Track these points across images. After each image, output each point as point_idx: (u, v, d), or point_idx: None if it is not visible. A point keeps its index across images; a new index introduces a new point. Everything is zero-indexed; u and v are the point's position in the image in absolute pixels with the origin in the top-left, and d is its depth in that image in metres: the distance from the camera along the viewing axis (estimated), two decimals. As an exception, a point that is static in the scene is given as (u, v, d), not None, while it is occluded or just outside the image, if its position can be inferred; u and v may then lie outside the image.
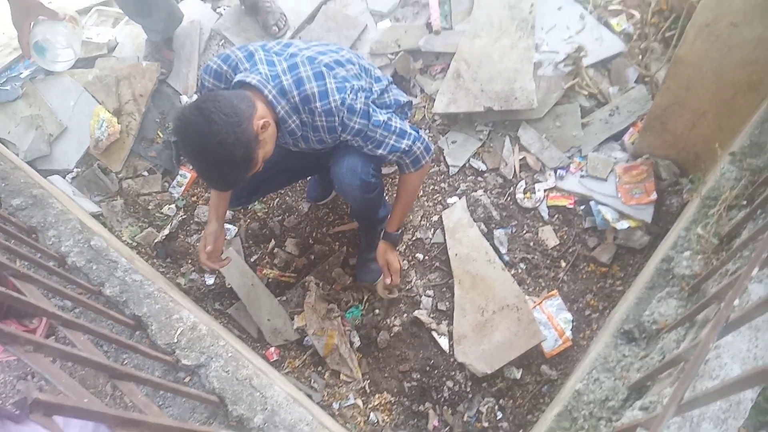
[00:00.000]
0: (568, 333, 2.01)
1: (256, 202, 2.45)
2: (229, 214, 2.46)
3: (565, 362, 1.99)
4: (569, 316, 2.05)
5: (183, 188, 2.57)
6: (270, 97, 1.53)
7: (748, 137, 1.41)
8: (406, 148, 1.69)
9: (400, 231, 2.00)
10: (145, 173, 2.64)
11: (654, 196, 2.11)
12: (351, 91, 1.59)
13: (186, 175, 2.58)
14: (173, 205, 2.55)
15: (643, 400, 0.94)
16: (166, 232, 2.47)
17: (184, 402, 1.16)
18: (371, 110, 1.63)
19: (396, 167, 2.40)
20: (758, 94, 1.72)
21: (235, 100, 1.42)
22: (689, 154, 2.06)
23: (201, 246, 1.82)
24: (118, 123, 2.62)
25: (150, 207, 2.57)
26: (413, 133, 1.71)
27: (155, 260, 2.45)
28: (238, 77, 1.56)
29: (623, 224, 2.10)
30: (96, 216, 2.53)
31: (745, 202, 1.26)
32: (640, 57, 2.40)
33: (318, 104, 1.56)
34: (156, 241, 2.45)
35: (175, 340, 1.22)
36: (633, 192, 2.16)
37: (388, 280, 1.95)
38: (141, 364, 1.23)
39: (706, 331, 0.69)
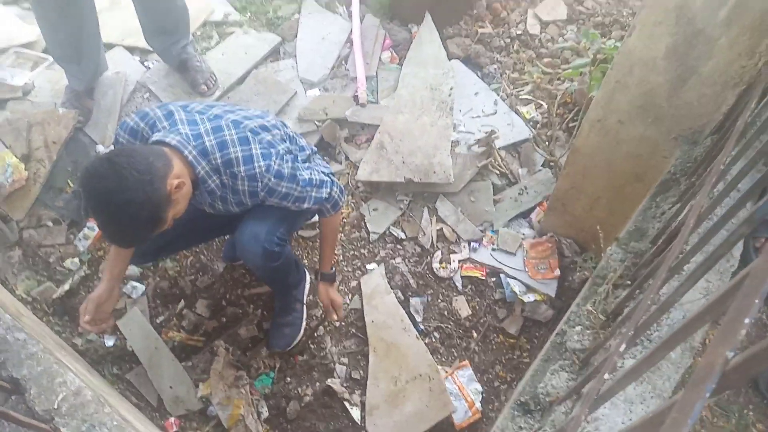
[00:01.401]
0: (478, 404, 2.04)
1: (168, 260, 2.36)
2: (136, 270, 2.34)
3: (473, 434, 2.00)
4: (479, 387, 2.08)
5: (90, 241, 2.43)
6: (190, 157, 1.50)
7: (633, 223, 1.56)
8: (326, 196, 1.76)
9: (333, 269, 2.07)
10: (50, 223, 2.48)
11: (557, 272, 2.26)
12: (276, 156, 1.60)
13: (94, 228, 2.45)
14: (77, 259, 2.40)
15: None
16: (66, 287, 2.31)
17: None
18: (298, 173, 1.66)
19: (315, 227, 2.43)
20: (644, 184, 1.93)
21: (150, 157, 1.38)
22: (587, 234, 2.24)
23: (82, 308, 1.66)
24: (26, 170, 2.48)
25: (51, 260, 2.39)
26: (328, 179, 1.79)
27: (51, 318, 2.26)
28: (156, 136, 1.52)
29: (530, 297, 2.21)
30: (-13, 267, 2.33)
31: (629, 282, 1.38)
32: (546, 143, 2.63)
33: (242, 168, 1.55)
34: (54, 296, 2.27)
35: (56, 406, 1.11)
36: (539, 267, 2.30)
37: (335, 317, 2.06)
38: (12, 434, 1.10)
39: (579, 405, 0.73)
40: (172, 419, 2.00)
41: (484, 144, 2.54)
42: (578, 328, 1.31)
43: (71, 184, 2.55)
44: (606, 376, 0.76)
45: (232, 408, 1.98)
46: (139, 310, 2.22)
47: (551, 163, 2.56)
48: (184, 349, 2.16)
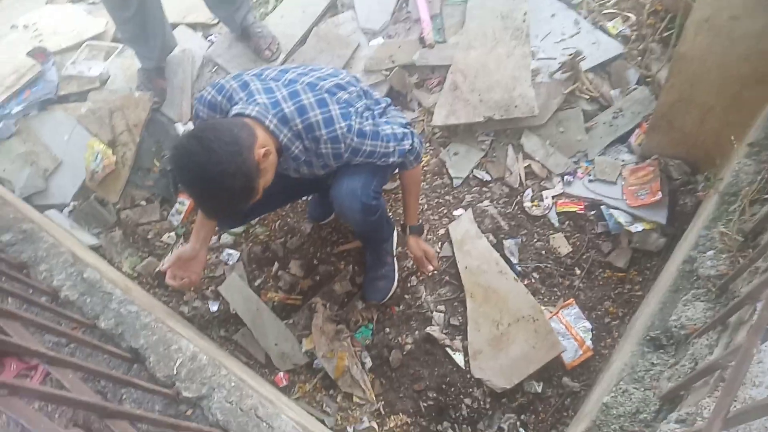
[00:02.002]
0: (589, 342, 1.93)
1: (257, 226, 2.40)
2: (230, 238, 2.41)
3: (587, 373, 1.90)
4: (588, 324, 1.97)
5: (182, 216, 2.52)
6: (271, 126, 1.48)
7: (763, 130, 1.35)
8: (409, 148, 1.70)
9: (420, 221, 2.04)
10: (143, 203, 2.60)
11: (659, 196, 2.05)
12: (356, 114, 1.56)
13: (184, 202, 2.54)
14: (173, 233, 2.51)
15: (679, 411, 0.86)
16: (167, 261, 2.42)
17: (188, 437, 1.10)
18: (379, 129, 1.62)
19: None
20: (767, 87, 1.67)
21: (234, 129, 1.37)
22: (699, 150, 2.01)
23: (167, 261, 1.70)
24: (113, 154, 2.60)
25: (149, 236, 2.52)
26: (407, 130, 1.73)
27: (157, 290, 2.39)
28: (236, 110, 1.50)
29: (637, 227, 2.03)
30: (95, 248, 2.49)
31: (767, 196, 1.20)
32: (640, 58, 2.37)
33: (323, 132, 1.51)
34: (157, 270, 2.40)
35: (175, 372, 1.15)
36: (638, 193, 2.10)
37: (431, 268, 2.00)
38: (140, 399, 1.16)
39: (746, 336, 0.63)
40: (281, 374, 2.07)
41: (569, 68, 2.33)
42: (710, 252, 1.16)
43: (157, 164, 2.64)
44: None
45: (336, 360, 2.01)
46: (237, 275, 2.29)
47: (648, 79, 2.30)
48: (283, 308, 2.22)
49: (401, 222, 2.11)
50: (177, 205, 2.55)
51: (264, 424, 1.08)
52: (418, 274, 2.18)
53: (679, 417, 0.82)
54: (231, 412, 1.10)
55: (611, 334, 1.96)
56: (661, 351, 1.10)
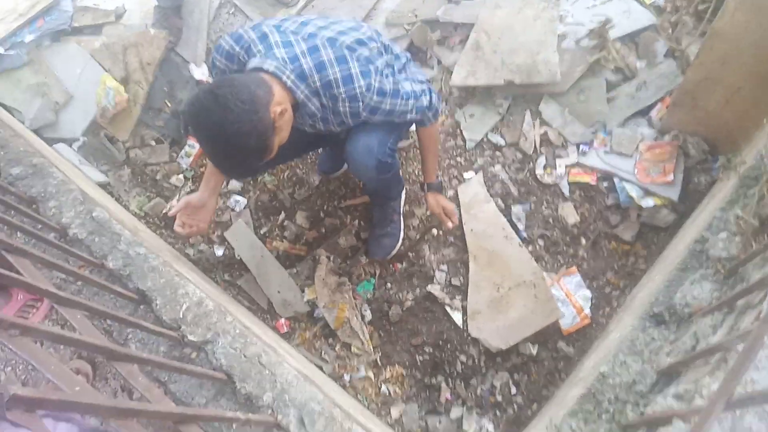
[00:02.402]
0: (587, 310, 1.96)
1: (266, 175, 2.40)
2: (238, 185, 2.41)
3: (582, 339, 1.94)
4: (588, 293, 1.99)
5: (191, 159, 2.51)
6: (289, 83, 1.44)
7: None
8: (428, 104, 1.68)
9: (439, 178, 2.03)
10: (153, 143, 2.58)
11: (670, 177, 2.03)
12: (376, 73, 1.52)
13: (194, 145, 2.53)
14: (181, 176, 2.50)
15: (677, 387, 0.88)
16: (175, 202, 2.43)
17: (191, 378, 1.13)
18: (399, 86, 1.59)
19: (411, 138, 2.34)
20: (800, 71, 1.62)
21: (252, 86, 1.34)
22: (720, 131, 1.97)
23: (176, 207, 1.66)
24: (126, 92, 2.56)
25: (158, 177, 2.52)
26: (425, 86, 1.70)
27: (163, 231, 2.41)
28: (253, 63, 1.46)
29: (648, 202, 2.02)
30: (103, 186, 2.49)
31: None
32: (670, 31, 2.29)
33: (342, 89, 1.48)
34: (164, 212, 2.41)
35: (181, 316, 1.17)
36: (650, 170, 2.08)
37: (450, 224, 1.94)
38: (146, 339, 1.19)
39: (759, 322, 0.63)
40: (282, 320, 2.11)
41: (597, 36, 2.25)
42: (724, 234, 1.16)
43: (169, 104, 2.61)
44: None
45: (337, 311, 2.05)
46: (244, 222, 2.30)
47: (676, 53, 2.23)
48: (287, 257, 2.24)
49: (420, 180, 2.10)
50: (186, 148, 2.54)
51: (267, 371, 1.10)
52: (426, 236, 2.19)
53: (677, 393, 0.84)
54: (235, 357, 1.13)
55: (610, 304, 1.98)
56: (663, 327, 1.11)
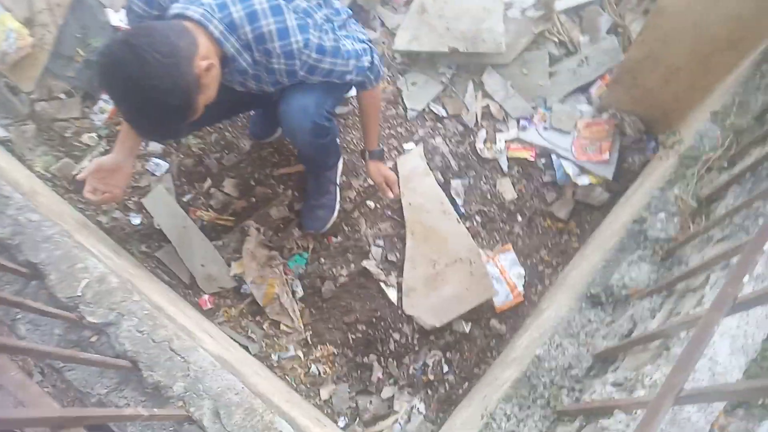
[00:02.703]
0: (520, 288, 1.95)
1: (191, 137, 2.20)
2: (158, 147, 2.20)
3: (515, 317, 1.94)
4: (522, 270, 1.98)
5: (106, 115, 2.26)
6: (216, 33, 1.28)
7: (732, 96, 1.32)
8: (369, 65, 1.56)
9: (380, 145, 1.91)
10: (62, 96, 2.30)
11: (605, 156, 2.05)
12: (315, 27, 1.38)
13: (110, 100, 2.27)
14: (94, 134, 2.25)
15: (615, 373, 0.86)
16: (86, 163, 2.19)
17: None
18: (340, 44, 1.46)
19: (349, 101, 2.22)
20: (737, 53, 1.63)
21: (172, 36, 1.18)
22: (657, 111, 1.98)
23: (85, 170, 1.48)
24: (30, 35, 2.25)
25: (67, 134, 2.25)
26: (366, 45, 1.58)
27: (73, 196, 2.17)
28: (176, 8, 1.29)
29: (584, 180, 2.02)
30: (3, 142, 2.21)
31: (726, 164, 1.18)
32: (615, 5, 2.27)
33: (276, 44, 1.34)
34: (74, 173, 2.17)
35: (79, 294, 1.02)
36: (587, 148, 2.09)
37: (391, 195, 1.86)
38: (38, 321, 1.03)
39: (708, 310, 0.59)
40: (206, 296, 1.97)
41: (543, 5, 2.20)
42: (662, 214, 1.14)
43: (81, 53, 2.32)
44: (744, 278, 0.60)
45: (266, 287, 1.93)
46: (164, 188, 2.10)
47: (619, 29, 2.22)
48: (213, 228, 2.08)
49: (359, 149, 1.98)
50: (101, 103, 2.28)
51: (178, 357, 0.98)
52: (361, 207, 2.09)
53: (616, 380, 0.81)
54: (142, 342, 1.00)
55: (543, 281, 1.99)
56: (599, 308, 1.09)
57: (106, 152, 2.20)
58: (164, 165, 2.17)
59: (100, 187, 1.50)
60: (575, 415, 0.88)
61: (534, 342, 1.22)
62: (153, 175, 2.16)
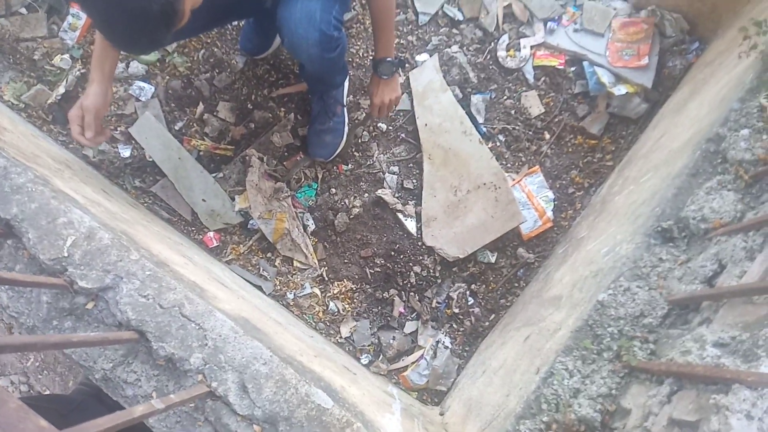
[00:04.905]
0: (549, 213, 1.81)
1: (176, 54, 1.94)
2: (141, 68, 1.94)
3: (543, 244, 1.81)
4: (551, 194, 1.83)
5: (78, 33, 1.98)
6: None
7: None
8: None
9: (397, 57, 1.63)
10: (23, 10, 2.01)
11: (645, 61, 1.82)
12: None
13: (80, 15, 1.99)
14: (67, 56, 1.98)
15: (711, 329, 0.72)
16: (62, 90, 1.95)
17: (91, 333, 0.86)
18: None
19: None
20: None
21: None
22: (705, 5, 1.73)
23: (71, 114, 1.36)
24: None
25: (36, 57, 1.99)
26: None
27: (52, 126, 1.95)
28: None
29: (620, 89, 1.81)
30: (-37, 68, 1.95)
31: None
32: None
33: None
34: (49, 101, 1.93)
35: (66, 254, 0.86)
36: (623, 52, 1.85)
37: (376, 113, 1.68)
38: (20, 287, 0.87)
39: None
40: (210, 234, 1.82)
41: None
42: (746, 131, 0.96)
43: (38, -43, 1.99)
44: None
45: (275, 222, 1.78)
46: (152, 114, 1.88)
47: None
48: (211, 159, 1.89)
49: (367, 62, 1.73)
50: (70, 18, 2.00)
51: (192, 324, 0.85)
52: (371, 128, 1.89)
53: (719, 339, 0.68)
54: (147, 309, 0.85)
55: (573, 205, 1.84)
56: (671, 245, 0.95)
57: (83, 76, 1.95)
58: (149, 88, 1.93)
59: (91, 126, 1.37)
60: (659, 375, 0.76)
61: (586, 282, 1.08)
62: (138, 100, 1.93)
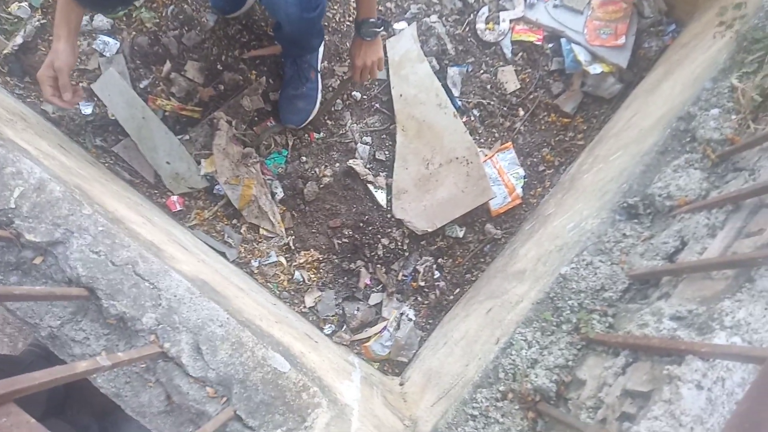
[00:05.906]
0: (519, 190, 1.82)
1: (143, 9, 1.85)
2: (105, 21, 1.85)
3: (511, 221, 1.82)
4: (522, 171, 1.83)
5: (36, -21, 1.87)
6: None
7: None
8: None
9: (381, 18, 1.53)
10: (-25, -49, 1.88)
11: (622, 40, 1.82)
12: None
13: (38, -39, 1.87)
14: (25, 4, 1.87)
15: (670, 303, 0.73)
16: (19, 41, 1.84)
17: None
18: None
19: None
20: None
21: None
22: (685, -13, 1.73)
23: (42, 75, 1.28)
24: None
25: (-9, 5, 1.87)
26: None
27: (9, 78, 1.85)
28: None
29: (596, 68, 1.81)
30: None
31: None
32: None
33: None
34: (6, 52, 1.82)
35: (13, 205, 0.81)
36: (601, 31, 1.84)
37: (358, 77, 1.61)
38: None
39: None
40: (174, 197, 1.77)
41: None
42: (716, 111, 0.96)
43: None
44: None
45: (242, 188, 1.74)
46: (116, 71, 1.80)
47: None
48: (177, 120, 1.82)
49: (342, 27, 1.67)
50: (27, -36, 1.87)
51: (146, 283, 0.82)
52: (345, 96, 1.85)
53: (676, 313, 0.68)
54: (98, 265, 0.82)
55: (543, 183, 1.85)
56: (635, 221, 0.95)
57: (42, 26, 1.84)
58: (114, 44, 1.84)
59: (67, 87, 1.30)
60: (616, 347, 0.77)
61: (551, 256, 1.09)
62: (102, 55, 1.84)
